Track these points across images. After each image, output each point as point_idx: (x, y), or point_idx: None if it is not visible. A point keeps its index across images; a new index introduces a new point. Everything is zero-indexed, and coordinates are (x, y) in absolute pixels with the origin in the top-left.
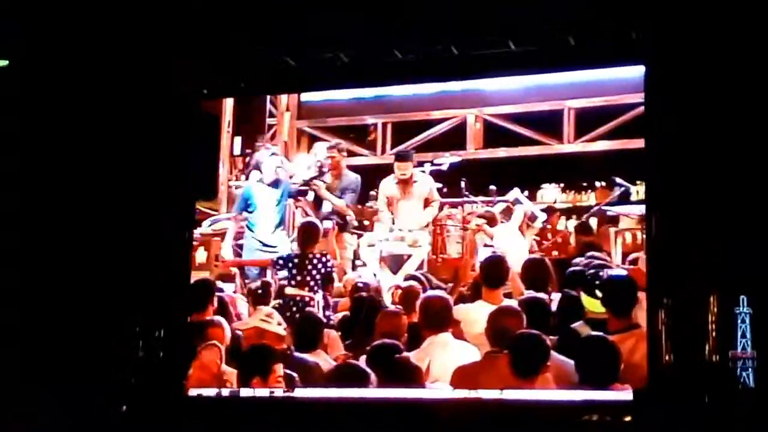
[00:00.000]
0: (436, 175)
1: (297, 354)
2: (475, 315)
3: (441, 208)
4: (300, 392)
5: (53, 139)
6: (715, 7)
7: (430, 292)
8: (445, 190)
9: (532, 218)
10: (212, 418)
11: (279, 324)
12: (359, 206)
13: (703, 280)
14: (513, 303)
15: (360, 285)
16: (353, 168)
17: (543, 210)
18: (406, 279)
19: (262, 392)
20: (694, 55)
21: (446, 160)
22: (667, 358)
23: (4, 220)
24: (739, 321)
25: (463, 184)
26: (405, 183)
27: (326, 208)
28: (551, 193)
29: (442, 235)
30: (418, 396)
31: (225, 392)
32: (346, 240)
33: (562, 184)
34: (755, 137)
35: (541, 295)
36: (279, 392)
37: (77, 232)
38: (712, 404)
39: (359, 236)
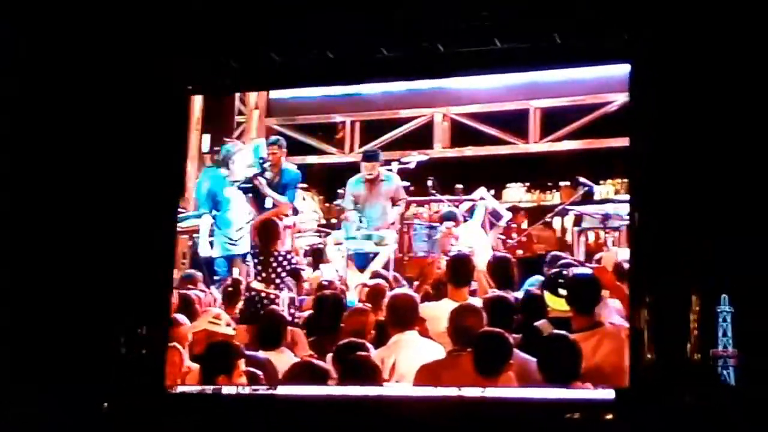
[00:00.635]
0: (404, 174)
1: (248, 351)
2: (441, 313)
3: (408, 207)
4: (282, 389)
5: (43, 139)
6: (702, 5)
7: (397, 290)
8: (412, 188)
9: (497, 217)
10: (195, 414)
11: (228, 325)
12: (326, 204)
13: (685, 279)
14: (476, 301)
15: (324, 283)
16: (322, 167)
17: (508, 209)
18: (373, 277)
19: (244, 389)
20: (680, 53)
21: (413, 158)
22: (648, 356)
23: None
24: (720, 320)
25: (430, 182)
26: (372, 182)
27: (268, 204)
28: (516, 192)
29: (408, 234)
30: (401, 394)
31: (209, 389)
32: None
33: (527, 184)
34: (740, 135)
35: (506, 293)
36: (262, 389)
37: (59, 232)
38: (694, 402)
39: (325, 234)
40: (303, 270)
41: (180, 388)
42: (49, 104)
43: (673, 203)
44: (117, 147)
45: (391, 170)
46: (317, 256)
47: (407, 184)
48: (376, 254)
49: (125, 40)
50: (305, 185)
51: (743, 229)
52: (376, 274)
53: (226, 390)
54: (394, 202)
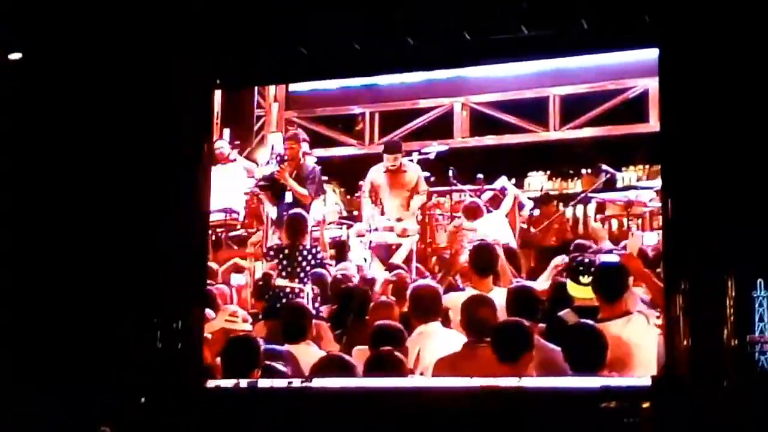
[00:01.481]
0: (424, 164)
1: (269, 345)
2: None
3: (429, 198)
4: (317, 382)
5: (57, 137)
6: None
7: (420, 281)
8: (432, 179)
9: (520, 206)
10: (230, 409)
11: (244, 321)
12: (348, 197)
13: (720, 264)
14: (500, 291)
15: (339, 277)
16: (342, 159)
17: (535, 198)
18: (391, 269)
19: (280, 383)
20: (709, 38)
21: (433, 149)
22: (684, 342)
23: (5, 219)
24: (756, 305)
25: (450, 172)
26: (394, 173)
27: (287, 198)
28: (538, 180)
29: (430, 225)
30: (434, 385)
31: (243, 383)
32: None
33: (548, 172)
34: None
35: (530, 283)
36: (297, 383)
37: (96, 228)
38: (731, 388)
39: (348, 227)
40: (330, 265)
41: (214, 382)
42: (54, 103)
43: (706, 188)
44: (145, 141)
45: (412, 161)
46: (340, 249)
47: (428, 174)
48: (398, 246)
49: (138, 39)
50: (326, 177)
51: None
52: (393, 267)
53: (262, 384)
54: (415, 192)
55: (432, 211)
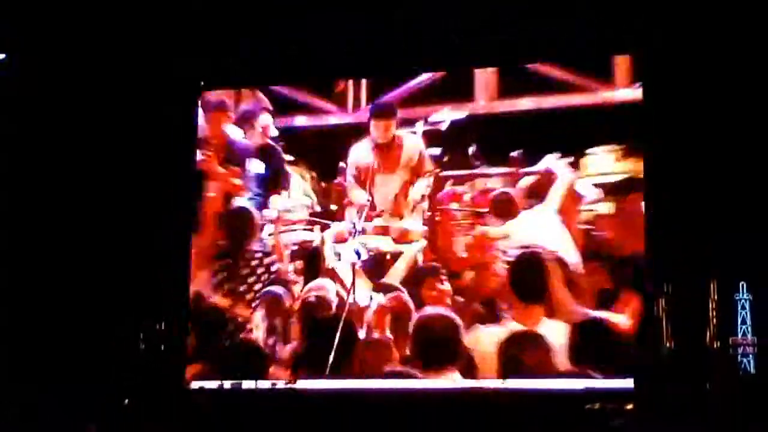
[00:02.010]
0: (432, 138)
1: None
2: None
3: (440, 184)
4: (302, 384)
5: (52, 137)
6: None
7: (429, 310)
8: (446, 158)
9: (578, 197)
10: (214, 410)
11: None
12: (322, 184)
13: (703, 267)
14: (556, 325)
15: (311, 301)
16: (316, 131)
17: (606, 185)
18: (388, 291)
19: (263, 384)
20: (693, 41)
21: (446, 116)
22: (668, 344)
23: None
24: (738, 307)
25: (472, 150)
26: (386, 149)
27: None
28: (604, 160)
29: (443, 225)
30: (419, 387)
31: (227, 384)
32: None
33: (619, 147)
34: (757, 123)
35: (605, 314)
36: (281, 384)
37: (79, 231)
38: (714, 391)
39: (323, 228)
40: (294, 282)
41: (198, 384)
42: (51, 103)
43: (690, 191)
44: (132, 144)
45: (414, 133)
46: (310, 260)
47: (438, 152)
48: (396, 255)
49: (136, 40)
50: (290, 158)
51: (760, 216)
52: (389, 287)
53: (246, 385)
54: (418, 175)
55: (445, 206)
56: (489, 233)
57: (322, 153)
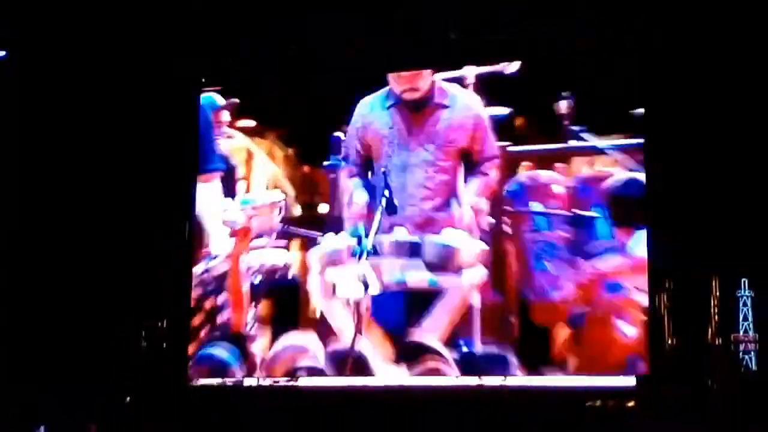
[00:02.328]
0: (492, 91)
1: None
2: None
3: (509, 168)
4: (303, 381)
5: (52, 136)
6: None
7: None
8: (518, 124)
9: None
10: (216, 407)
11: None
12: (304, 167)
13: (705, 264)
14: None
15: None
16: (293, 83)
17: None
18: (420, 357)
19: (264, 381)
20: (691, 45)
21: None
22: (669, 341)
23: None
24: (740, 304)
25: (565, 105)
26: (416, 110)
27: None
28: None
29: (516, 241)
30: (421, 384)
31: (229, 382)
32: None
33: None
34: (759, 120)
35: None
36: (282, 381)
37: (78, 227)
38: (715, 387)
39: (304, 243)
40: (251, 340)
41: (200, 381)
42: (52, 101)
43: (692, 188)
44: (133, 142)
45: (463, 84)
46: (284, 299)
47: (505, 112)
48: (432, 294)
49: (137, 40)
50: (250, 124)
51: (762, 213)
52: (415, 351)
53: (247, 382)
54: (473, 159)
55: (521, 208)
56: (614, 263)
57: (305, 115)
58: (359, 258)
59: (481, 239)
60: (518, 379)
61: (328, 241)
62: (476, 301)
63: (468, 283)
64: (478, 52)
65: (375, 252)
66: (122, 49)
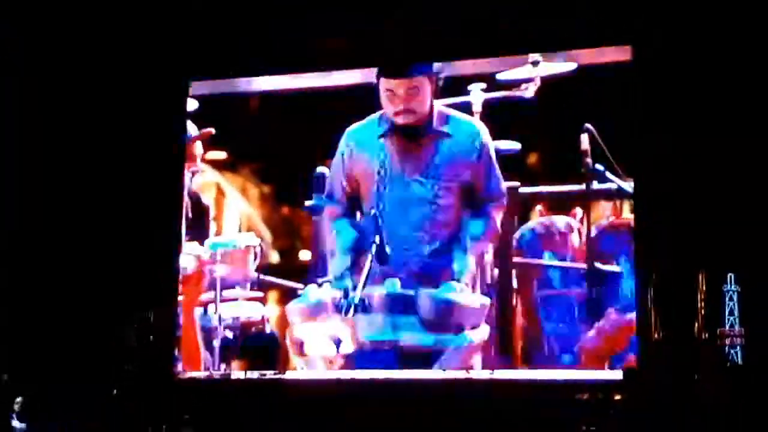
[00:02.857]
0: (502, 120)
1: None
2: None
3: (515, 210)
4: (291, 374)
5: (43, 132)
6: None
7: None
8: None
9: None
10: (203, 399)
11: None
12: (283, 209)
13: (691, 258)
14: None
15: None
16: (268, 96)
17: None
18: None
19: (252, 374)
20: (684, 39)
21: (530, 72)
22: (656, 335)
23: None
24: (726, 299)
25: (584, 138)
26: (411, 139)
27: None
28: None
29: (526, 297)
30: (408, 377)
31: (216, 374)
32: None
33: None
34: (746, 114)
35: None
36: (269, 374)
37: (67, 222)
38: (701, 382)
39: (282, 295)
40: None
41: (188, 374)
42: (45, 100)
43: (678, 181)
44: (121, 136)
45: (469, 110)
46: (261, 354)
47: (516, 147)
48: (427, 356)
49: (135, 39)
50: (221, 155)
51: (749, 207)
52: None
53: (235, 375)
54: (477, 197)
55: (530, 258)
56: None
57: (284, 146)
58: (346, 313)
59: (485, 293)
60: (506, 372)
61: (311, 293)
62: (476, 365)
63: (471, 343)
64: (478, 51)
65: (363, 306)
66: (119, 47)
